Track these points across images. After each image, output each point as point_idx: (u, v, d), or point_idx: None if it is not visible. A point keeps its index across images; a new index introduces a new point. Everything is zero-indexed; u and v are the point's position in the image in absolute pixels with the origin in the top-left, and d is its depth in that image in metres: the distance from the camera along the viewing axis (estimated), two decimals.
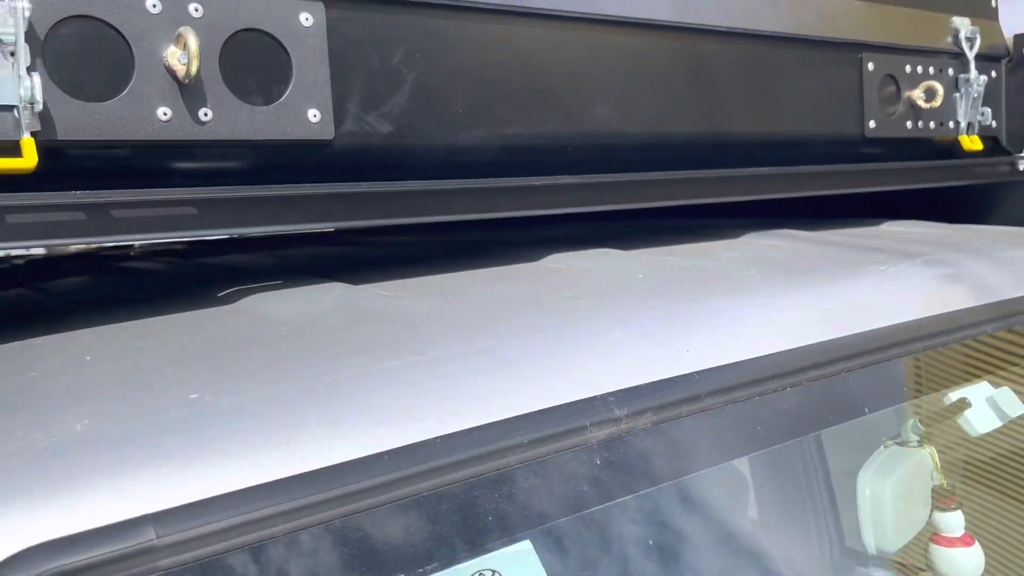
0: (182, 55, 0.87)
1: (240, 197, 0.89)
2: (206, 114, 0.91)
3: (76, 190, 0.83)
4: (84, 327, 0.88)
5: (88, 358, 0.79)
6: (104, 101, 0.85)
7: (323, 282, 1.03)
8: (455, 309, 0.92)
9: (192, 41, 0.85)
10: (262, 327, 0.87)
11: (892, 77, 1.62)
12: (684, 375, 0.81)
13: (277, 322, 0.88)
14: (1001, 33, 1.82)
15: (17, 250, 0.78)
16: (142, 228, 0.83)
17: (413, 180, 1.06)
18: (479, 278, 1.09)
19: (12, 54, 0.78)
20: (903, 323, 0.98)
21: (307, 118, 0.97)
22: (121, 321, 0.90)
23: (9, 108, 0.80)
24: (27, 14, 0.78)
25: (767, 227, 1.53)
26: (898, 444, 1.15)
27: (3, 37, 0.77)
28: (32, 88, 0.78)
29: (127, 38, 0.86)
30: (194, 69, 0.86)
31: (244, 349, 0.80)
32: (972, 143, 1.72)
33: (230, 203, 0.88)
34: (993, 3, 1.82)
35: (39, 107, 0.79)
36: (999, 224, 1.80)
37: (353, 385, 0.70)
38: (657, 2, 1.26)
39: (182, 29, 0.86)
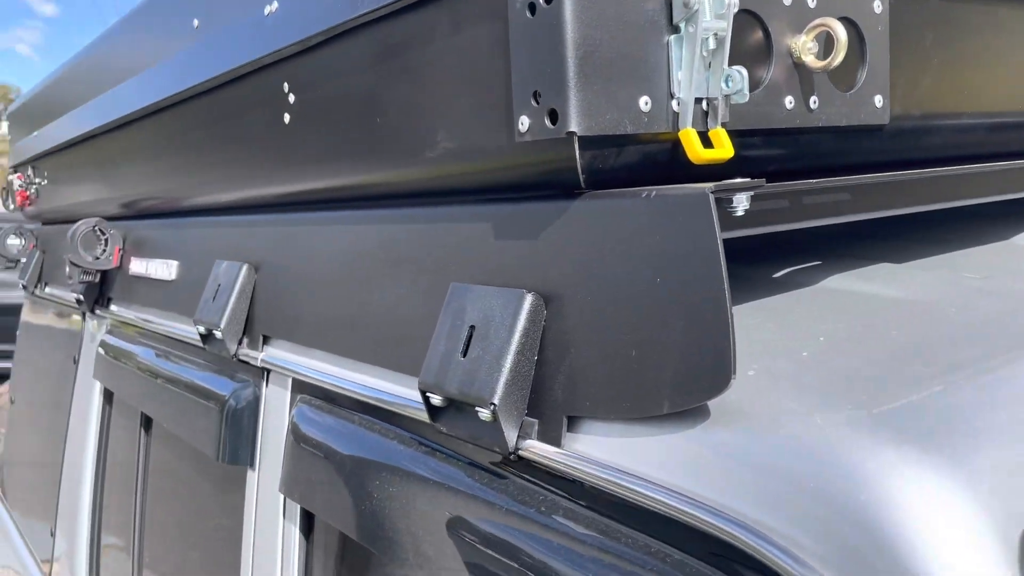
0: (812, 44, 0.90)
1: (881, 182, 0.92)
2: (815, 102, 0.93)
3: (730, 177, 0.86)
4: None
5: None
6: (751, 92, 0.88)
7: (867, 263, 1.06)
8: None
9: (842, 32, 0.88)
10: (911, 311, 0.90)
11: None
12: None
13: (921, 304, 0.91)
14: None
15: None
16: (819, 214, 0.87)
17: (919, 159, 1.09)
18: (998, 256, 1.11)
19: (715, 50, 0.81)
20: None
21: (873, 103, 1.00)
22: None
23: (699, 100, 0.83)
24: (735, 9, 0.81)
25: None
26: None
27: (718, 32, 0.80)
28: (742, 80, 0.81)
29: (769, 30, 0.88)
30: (839, 59, 0.88)
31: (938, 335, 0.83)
32: None
33: (875, 187, 0.91)
34: None
35: (744, 98, 0.82)
36: None
37: None
38: None
39: (828, 20, 0.89)
